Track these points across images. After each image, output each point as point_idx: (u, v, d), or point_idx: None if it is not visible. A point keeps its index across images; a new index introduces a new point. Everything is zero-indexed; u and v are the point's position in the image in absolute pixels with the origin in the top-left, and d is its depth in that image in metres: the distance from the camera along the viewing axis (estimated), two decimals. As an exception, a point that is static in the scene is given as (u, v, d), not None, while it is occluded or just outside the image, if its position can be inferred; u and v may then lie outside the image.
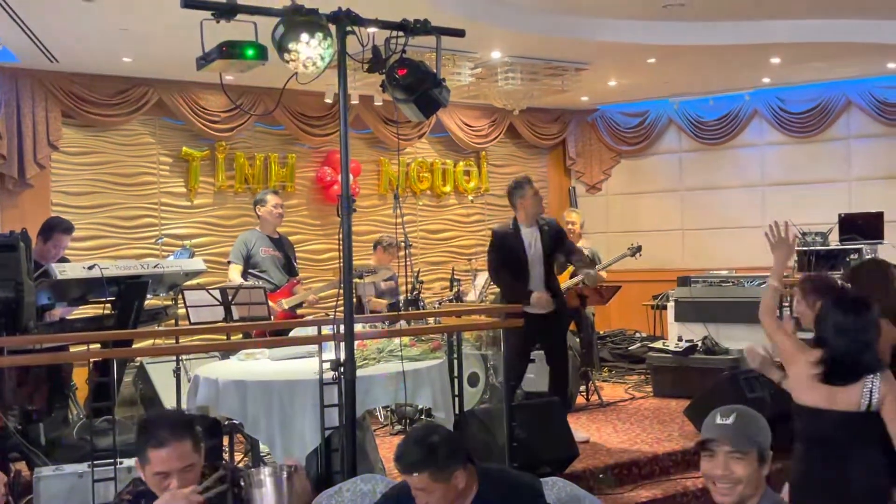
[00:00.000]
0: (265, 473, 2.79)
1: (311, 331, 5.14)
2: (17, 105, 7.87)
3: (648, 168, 11.51)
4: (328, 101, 9.09)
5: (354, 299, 4.13)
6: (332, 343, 4.53)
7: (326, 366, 4.48)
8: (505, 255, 6.52)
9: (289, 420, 4.65)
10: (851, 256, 8.35)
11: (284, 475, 2.80)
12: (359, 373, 4.28)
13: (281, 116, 9.27)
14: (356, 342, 4.25)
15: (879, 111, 10.09)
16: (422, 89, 4.11)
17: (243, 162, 9.25)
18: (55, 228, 6.35)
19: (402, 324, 5.43)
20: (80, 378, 6.36)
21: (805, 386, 3.56)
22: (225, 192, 9.20)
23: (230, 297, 6.25)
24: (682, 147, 11.42)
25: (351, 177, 9.17)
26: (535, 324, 6.12)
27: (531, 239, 6.52)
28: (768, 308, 3.98)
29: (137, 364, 7.51)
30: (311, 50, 3.73)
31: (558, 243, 6.64)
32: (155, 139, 8.85)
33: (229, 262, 7.05)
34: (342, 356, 4.10)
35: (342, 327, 4.06)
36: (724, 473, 2.65)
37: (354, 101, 9.09)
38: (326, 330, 4.71)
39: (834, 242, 8.81)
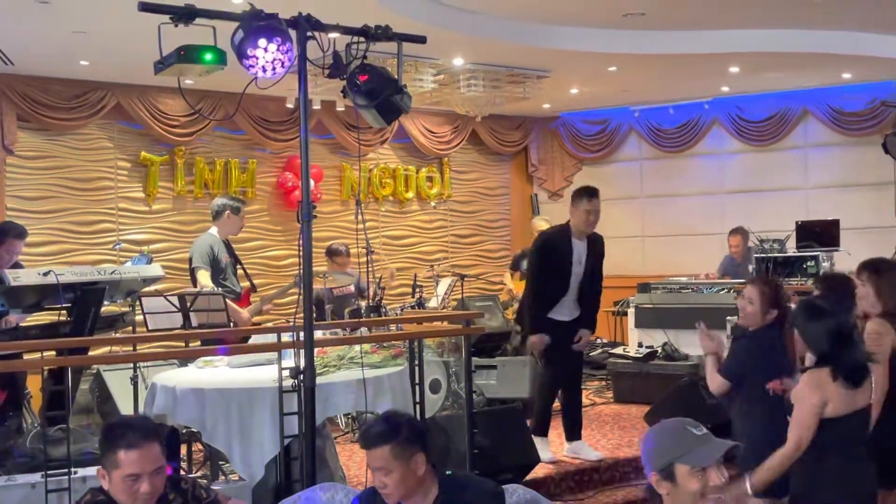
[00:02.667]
0: None
1: (270, 338, 5.10)
2: (-30, 107, 7.73)
3: (609, 175, 11.59)
4: (290, 105, 9.05)
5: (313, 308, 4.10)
6: (292, 351, 4.49)
7: (286, 373, 4.43)
8: (549, 260, 6.14)
9: (247, 428, 4.60)
10: (808, 264, 8.46)
11: None
12: (319, 380, 4.25)
13: (242, 121, 9.20)
14: (316, 349, 4.21)
15: (835, 121, 10.26)
16: (383, 95, 4.09)
17: (203, 167, 9.16)
18: (8, 233, 6.19)
19: (364, 331, 5.39)
20: (34, 386, 6.24)
21: (832, 404, 3.47)
22: (184, 198, 9.10)
23: (189, 304, 6.17)
24: (643, 155, 11.53)
25: (312, 182, 9.14)
26: (562, 329, 6.10)
27: (580, 251, 6.12)
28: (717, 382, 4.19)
29: (94, 371, 7.39)
30: (270, 55, 3.69)
31: (597, 262, 6.26)
32: (113, 143, 8.74)
33: (195, 269, 6.87)
34: (302, 363, 4.06)
35: (301, 334, 4.02)
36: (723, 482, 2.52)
37: (316, 107, 9.06)
38: (286, 337, 4.66)
39: (791, 250, 8.92)
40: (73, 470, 4.20)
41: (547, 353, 6.17)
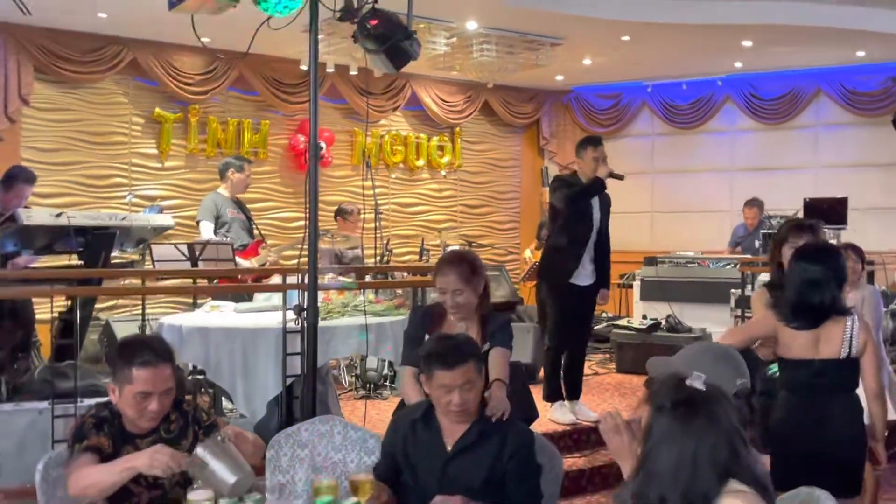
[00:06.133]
0: (200, 452, 2.72)
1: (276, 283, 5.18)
2: (-12, 58, 7.82)
3: (620, 150, 11.56)
4: (303, 67, 9.08)
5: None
6: (297, 295, 4.57)
7: (290, 315, 4.52)
8: (570, 210, 5.98)
9: (251, 367, 4.69)
10: (814, 240, 8.48)
11: (220, 438, 2.80)
12: (322, 324, 4.33)
13: (255, 82, 9.26)
14: (321, 296, 4.30)
15: (848, 100, 10.25)
16: (393, 40, 4.15)
17: (216, 126, 9.24)
18: (17, 178, 6.25)
19: (368, 280, 5.47)
20: (43, 335, 6.34)
21: (790, 342, 3.64)
22: (196, 156, 9.19)
23: (197, 253, 6.27)
24: (655, 130, 11.54)
25: (323, 145, 9.22)
26: (575, 294, 6.05)
27: (593, 201, 6.07)
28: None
29: (103, 322, 7.50)
30: (282, -8, 3.75)
31: (606, 219, 6.19)
32: (128, 99, 8.82)
33: (199, 222, 7.08)
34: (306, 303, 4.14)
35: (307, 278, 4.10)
36: None
37: (330, 70, 9.10)
38: (291, 280, 4.75)
39: (798, 226, 8.92)
40: (79, 399, 4.30)
41: (564, 318, 6.11)
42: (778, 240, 4.17)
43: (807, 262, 3.63)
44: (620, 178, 6.10)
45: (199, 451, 2.73)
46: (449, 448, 3.02)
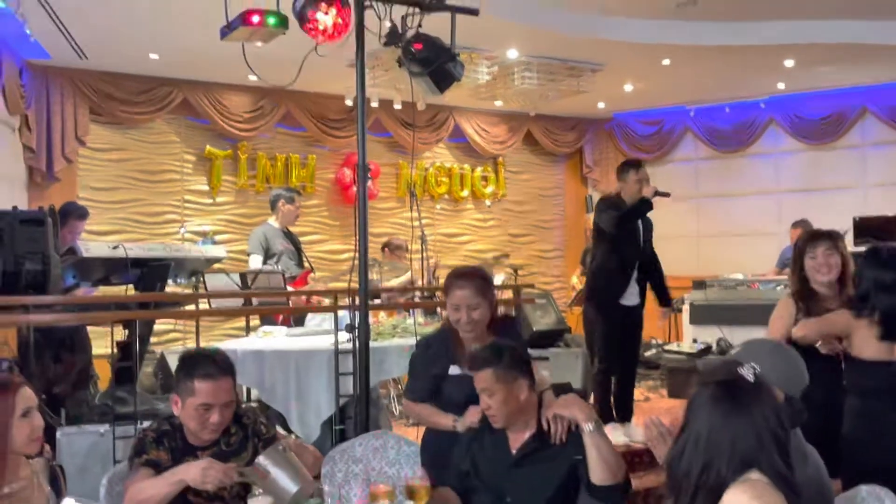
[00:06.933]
0: (262, 461, 2.77)
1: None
2: (46, 100, 8.12)
3: (664, 176, 11.54)
4: (349, 103, 9.27)
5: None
6: (348, 315, 4.64)
7: (342, 337, 4.59)
8: (618, 231, 5.96)
9: (305, 389, 4.77)
10: (866, 259, 8.38)
11: (281, 448, 2.83)
12: (373, 344, 4.39)
13: (302, 118, 9.47)
14: (371, 320, 4.37)
15: (895, 119, 10.15)
16: (437, 63, 4.25)
17: (265, 162, 9.45)
18: (71, 214, 6.46)
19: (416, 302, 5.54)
20: (101, 369, 6.48)
21: (866, 343, 3.56)
22: (246, 191, 9.39)
23: (249, 282, 6.39)
24: (699, 155, 11.51)
25: (370, 178, 9.36)
26: (623, 314, 6.05)
27: (639, 226, 6.07)
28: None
29: (158, 355, 7.65)
30: (329, 18, 3.88)
31: (649, 236, 6.19)
32: (179, 137, 9.08)
33: (249, 254, 7.21)
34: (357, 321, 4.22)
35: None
36: None
37: (374, 104, 9.27)
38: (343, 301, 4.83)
39: (849, 245, 8.83)
40: (139, 422, 4.41)
41: (613, 338, 6.10)
42: (798, 251, 4.13)
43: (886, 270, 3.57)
44: (667, 195, 6.12)
45: (261, 459, 2.77)
46: (513, 452, 3.08)
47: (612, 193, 6.32)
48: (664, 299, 6.25)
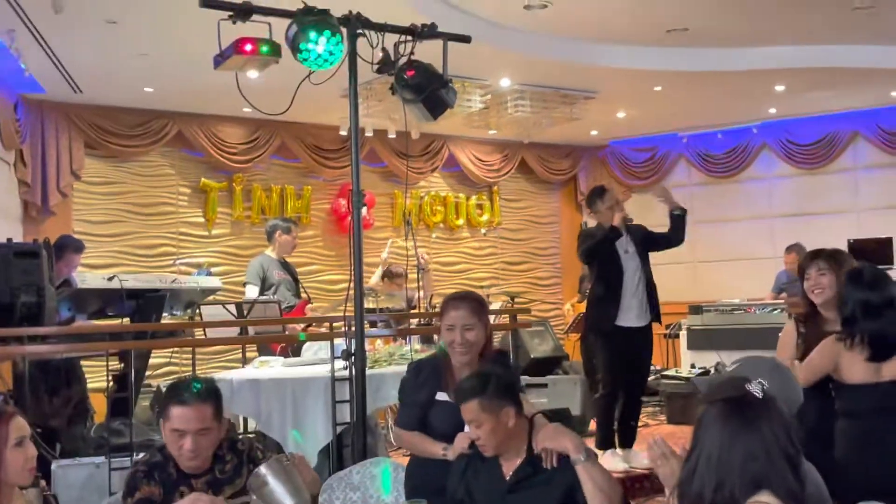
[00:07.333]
0: (262, 471, 2.72)
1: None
2: (41, 135, 8.14)
3: (659, 202, 11.61)
4: (343, 133, 9.32)
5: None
6: (345, 342, 4.63)
7: (338, 364, 4.58)
8: (595, 260, 6.07)
9: (301, 417, 4.75)
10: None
11: (284, 461, 2.78)
12: (369, 372, 4.38)
13: (297, 149, 9.51)
14: (367, 347, 4.36)
15: (887, 142, 10.22)
16: (429, 89, 4.28)
17: (260, 193, 9.47)
18: (67, 247, 6.48)
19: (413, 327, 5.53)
20: (97, 403, 6.45)
21: (853, 367, 3.55)
22: (242, 223, 9.41)
23: (246, 312, 6.38)
24: (692, 180, 11.57)
25: (364, 209, 9.38)
26: (623, 336, 5.99)
27: (622, 242, 6.04)
28: None
29: (153, 388, 7.62)
30: (321, 47, 3.90)
31: (648, 239, 6.23)
32: (174, 170, 9.10)
33: (245, 284, 7.22)
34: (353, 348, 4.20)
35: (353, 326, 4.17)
36: None
37: (368, 134, 9.32)
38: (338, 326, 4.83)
39: (845, 268, 8.84)
40: (134, 453, 4.38)
41: (614, 362, 6.05)
42: (799, 270, 4.11)
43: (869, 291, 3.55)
44: (683, 211, 6.35)
45: (263, 469, 2.72)
46: (507, 479, 3.05)
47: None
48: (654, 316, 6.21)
